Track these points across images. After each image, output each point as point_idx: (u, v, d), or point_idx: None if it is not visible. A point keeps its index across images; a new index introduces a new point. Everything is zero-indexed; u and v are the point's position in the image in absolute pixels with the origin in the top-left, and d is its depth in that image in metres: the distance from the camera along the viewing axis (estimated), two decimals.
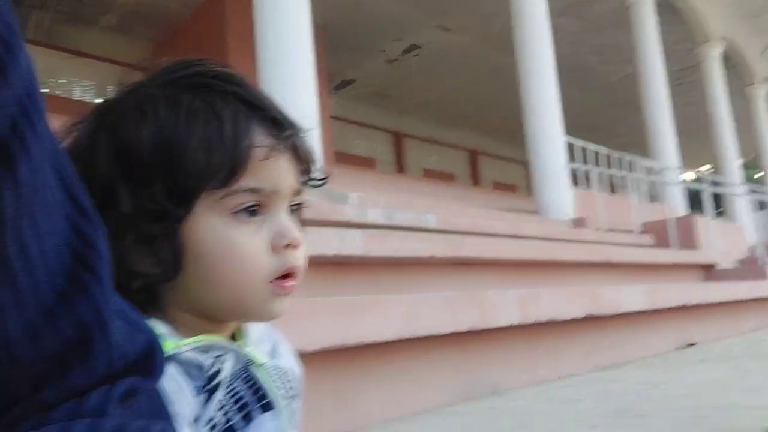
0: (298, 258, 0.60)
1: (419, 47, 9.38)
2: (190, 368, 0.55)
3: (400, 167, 10.40)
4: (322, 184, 0.66)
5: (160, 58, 0.64)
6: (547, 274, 3.53)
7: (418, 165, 10.87)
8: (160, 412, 0.45)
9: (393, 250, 2.58)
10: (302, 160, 0.61)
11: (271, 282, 0.58)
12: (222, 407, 0.56)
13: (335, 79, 9.35)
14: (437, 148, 11.39)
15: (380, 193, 4.51)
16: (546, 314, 2.58)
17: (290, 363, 0.66)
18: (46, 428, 0.38)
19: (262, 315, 0.60)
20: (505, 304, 2.44)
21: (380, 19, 8.57)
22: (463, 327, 2.21)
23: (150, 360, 0.45)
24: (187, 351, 0.55)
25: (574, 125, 6.68)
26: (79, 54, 6.58)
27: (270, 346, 0.66)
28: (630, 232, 5.90)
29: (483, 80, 10.07)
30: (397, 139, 10.57)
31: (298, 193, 0.62)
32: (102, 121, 0.58)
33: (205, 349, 0.57)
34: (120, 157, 0.56)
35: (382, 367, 1.99)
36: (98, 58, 6.95)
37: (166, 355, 0.52)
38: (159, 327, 0.55)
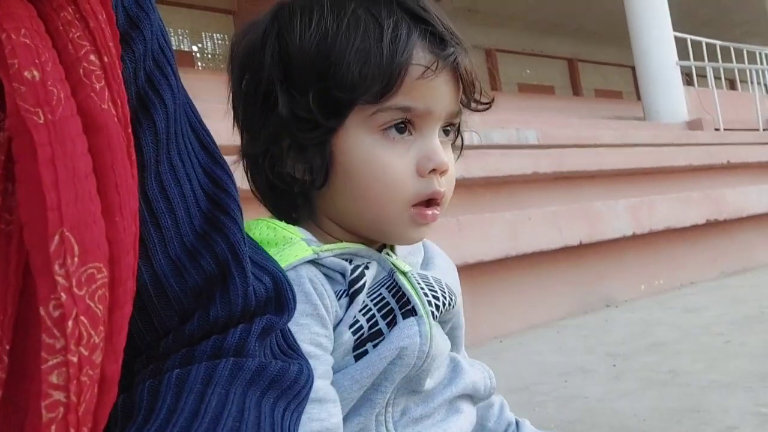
0: (443, 184, 0.58)
1: None
2: (333, 273, 0.56)
3: (494, 84, 9.98)
4: (486, 108, 0.62)
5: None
6: (661, 181, 3.31)
7: (512, 80, 10.40)
8: (293, 350, 0.47)
9: (492, 170, 2.50)
10: (464, 80, 0.58)
11: (413, 207, 0.57)
12: (367, 312, 0.57)
13: None
14: (532, 61, 10.82)
15: (474, 113, 4.38)
16: (662, 222, 2.44)
17: (444, 275, 0.65)
18: (194, 366, 0.40)
19: (398, 239, 0.60)
20: (615, 215, 2.33)
21: None
22: (572, 241, 2.14)
23: (281, 296, 0.47)
24: (329, 256, 0.56)
25: (684, 20, 6.07)
26: (168, 3, 6.74)
27: (422, 258, 0.66)
28: (755, 130, 5.40)
29: None
30: (489, 56, 10.12)
31: (455, 115, 0.59)
32: (273, 23, 0.59)
33: (350, 256, 0.58)
34: (282, 61, 0.56)
35: (490, 285, 1.98)
36: (185, 5, 7.10)
37: (308, 258, 0.54)
38: (302, 233, 0.57)
